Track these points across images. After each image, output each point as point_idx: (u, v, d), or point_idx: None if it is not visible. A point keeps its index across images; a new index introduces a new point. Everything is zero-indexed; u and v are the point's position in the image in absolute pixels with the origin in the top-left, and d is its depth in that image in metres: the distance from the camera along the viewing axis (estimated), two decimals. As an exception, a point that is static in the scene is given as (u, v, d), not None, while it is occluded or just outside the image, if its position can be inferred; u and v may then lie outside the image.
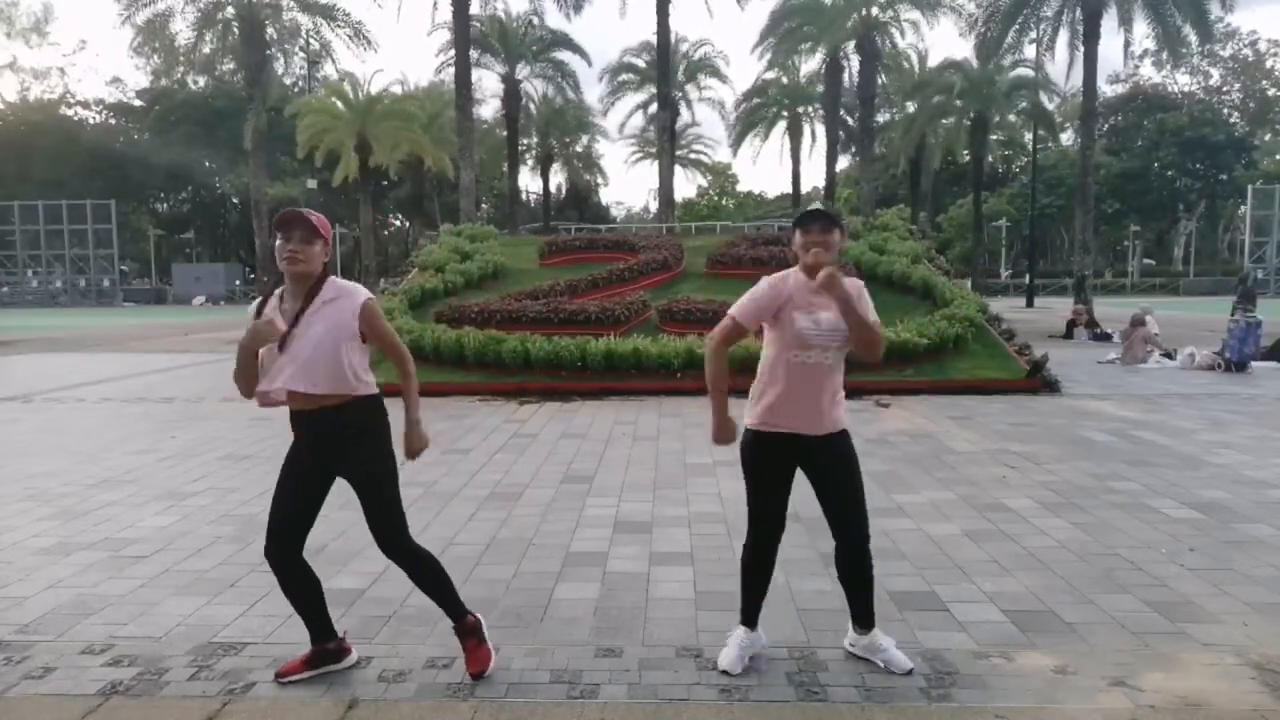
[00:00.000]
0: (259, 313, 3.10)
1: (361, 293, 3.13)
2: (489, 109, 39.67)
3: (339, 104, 31.79)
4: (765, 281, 3.26)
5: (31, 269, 49.35)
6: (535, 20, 32.81)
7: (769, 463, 3.26)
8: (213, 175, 54.70)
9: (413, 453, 3.24)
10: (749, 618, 3.39)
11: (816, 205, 3.70)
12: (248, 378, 3.11)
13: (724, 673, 3.22)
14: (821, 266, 3.06)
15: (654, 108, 34.34)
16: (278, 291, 3.14)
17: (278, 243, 3.03)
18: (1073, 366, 13.06)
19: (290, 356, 3.02)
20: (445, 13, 25.77)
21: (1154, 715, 2.93)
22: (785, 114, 41.24)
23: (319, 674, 3.24)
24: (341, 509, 5.52)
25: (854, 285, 3.16)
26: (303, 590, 3.28)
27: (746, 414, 3.29)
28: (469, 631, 3.29)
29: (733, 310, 3.29)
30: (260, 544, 4.83)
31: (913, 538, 4.85)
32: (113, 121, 58.42)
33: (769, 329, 3.24)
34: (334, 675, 3.27)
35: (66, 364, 15.52)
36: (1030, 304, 33.71)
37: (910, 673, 3.19)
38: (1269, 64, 61.27)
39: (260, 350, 3.05)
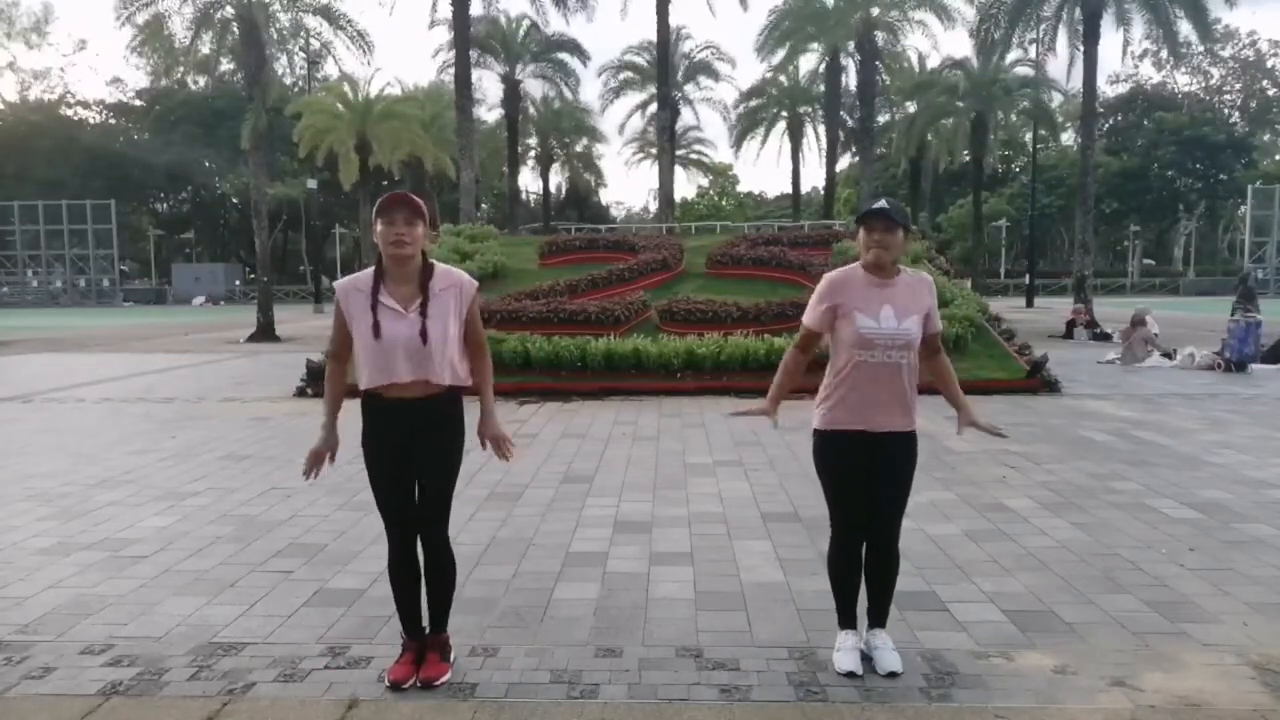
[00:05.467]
0: (374, 304, 2.99)
1: (470, 279, 3.17)
2: (489, 110, 39.76)
3: (339, 105, 31.81)
4: (824, 278, 3.24)
5: (31, 269, 49.38)
6: (534, 22, 32.83)
7: (841, 463, 3.20)
8: (213, 175, 54.70)
9: (492, 438, 3.24)
10: (848, 619, 3.35)
11: (882, 203, 3.57)
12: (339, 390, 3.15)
13: (850, 674, 3.19)
14: (882, 265, 3.10)
15: (654, 108, 34.34)
16: (364, 277, 3.07)
17: (380, 228, 2.96)
18: (1073, 366, 13.05)
19: (429, 348, 2.98)
20: (445, 13, 25.78)
21: (1154, 715, 2.93)
22: (785, 114, 41.22)
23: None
24: (340, 509, 5.53)
25: (923, 281, 3.21)
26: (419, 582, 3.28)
27: (814, 417, 3.26)
28: (442, 644, 3.29)
29: (803, 317, 3.29)
30: (260, 544, 4.86)
31: (913, 538, 4.84)
32: (113, 121, 58.41)
33: (835, 330, 3.18)
34: (334, 675, 3.27)
35: (66, 364, 15.52)
36: (1030, 304, 33.73)
37: (892, 675, 3.17)
38: (1269, 64, 61.34)
39: (362, 339, 3.00)
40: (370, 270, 3.09)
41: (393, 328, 2.98)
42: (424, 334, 2.98)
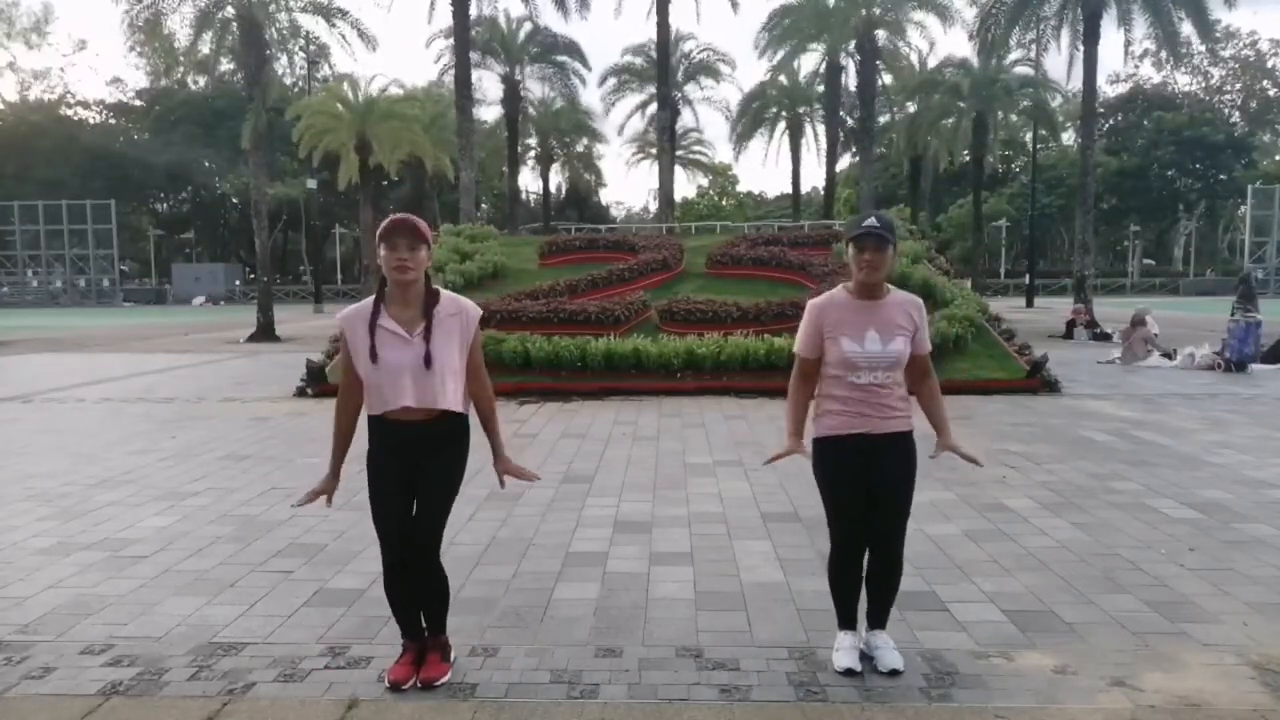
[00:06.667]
0: (372, 327, 2.99)
1: (475, 307, 3.17)
2: (490, 110, 39.77)
3: (339, 105, 31.83)
4: (809, 306, 3.23)
5: (31, 269, 49.36)
6: (535, 26, 32.83)
7: (840, 470, 3.19)
8: (213, 175, 54.71)
9: (511, 474, 3.28)
10: (847, 621, 3.35)
11: (872, 220, 3.51)
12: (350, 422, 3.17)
13: (848, 671, 3.19)
14: (872, 285, 3.09)
15: (654, 108, 34.36)
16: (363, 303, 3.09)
17: (383, 253, 2.95)
18: (1073, 366, 13.06)
19: (433, 372, 2.97)
20: (444, 14, 25.78)
21: (1154, 715, 2.93)
22: (785, 115, 41.24)
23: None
24: (340, 509, 5.52)
25: (912, 302, 3.19)
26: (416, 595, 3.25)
27: (812, 427, 3.27)
28: (442, 644, 3.29)
29: (795, 347, 3.28)
30: (260, 544, 4.86)
31: (913, 538, 4.79)
32: (113, 121, 58.40)
33: (824, 351, 3.17)
34: (334, 675, 3.27)
35: (66, 364, 15.52)
36: (1030, 304, 33.73)
37: (893, 673, 3.17)
38: (1269, 64, 61.34)
39: (367, 359, 2.99)
40: (371, 298, 3.09)
41: (395, 353, 2.97)
42: (428, 358, 2.97)
